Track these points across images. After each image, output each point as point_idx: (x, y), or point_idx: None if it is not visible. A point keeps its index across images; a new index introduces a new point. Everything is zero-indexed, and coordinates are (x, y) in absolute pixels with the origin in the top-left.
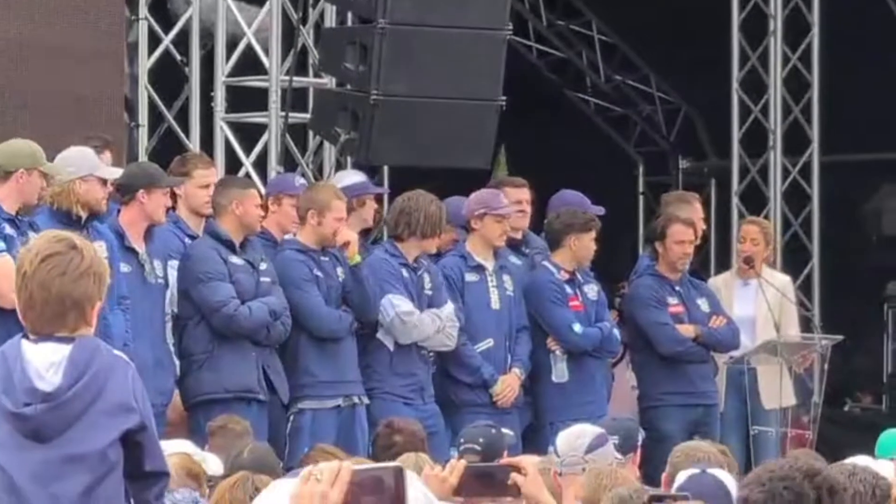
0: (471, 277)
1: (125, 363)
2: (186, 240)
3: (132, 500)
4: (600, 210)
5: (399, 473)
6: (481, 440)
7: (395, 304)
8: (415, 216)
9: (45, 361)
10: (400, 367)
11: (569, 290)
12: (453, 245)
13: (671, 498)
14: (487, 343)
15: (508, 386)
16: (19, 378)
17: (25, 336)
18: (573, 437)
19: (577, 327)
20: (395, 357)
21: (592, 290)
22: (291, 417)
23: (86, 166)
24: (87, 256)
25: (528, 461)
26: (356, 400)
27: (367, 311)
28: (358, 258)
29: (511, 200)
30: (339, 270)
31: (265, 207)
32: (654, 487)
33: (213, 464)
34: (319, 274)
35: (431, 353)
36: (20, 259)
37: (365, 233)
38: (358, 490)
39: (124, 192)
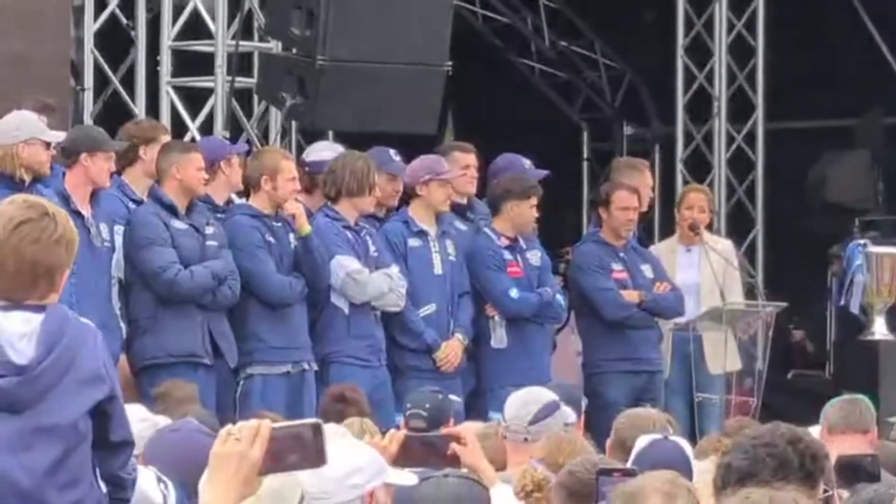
0: (413, 242)
1: (93, 331)
2: (131, 204)
3: (98, 471)
4: (542, 173)
5: (318, 429)
6: (427, 406)
7: (344, 265)
8: (339, 174)
9: (17, 331)
10: (356, 329)
11: (508, 256)
12: (395, 195)
13: (619, 472)
14: (430, 308)
15: (451, 351)
16: None
17: None
18: (521, 403)
19: (514, 293)
20: (352, 319)
21: (535, 255)
22: (241, 382)
23: (29, 130)
24: (60, 224)
25: (469, 430)
26: (305, 366)
27: (317, 281)
28: (308, 228)
29: (459, 165)
30: (292, 236)
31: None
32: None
33: None
34: (272, 240)
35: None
36: None
37: None
38: (278, 447)
39: (67, 155)
